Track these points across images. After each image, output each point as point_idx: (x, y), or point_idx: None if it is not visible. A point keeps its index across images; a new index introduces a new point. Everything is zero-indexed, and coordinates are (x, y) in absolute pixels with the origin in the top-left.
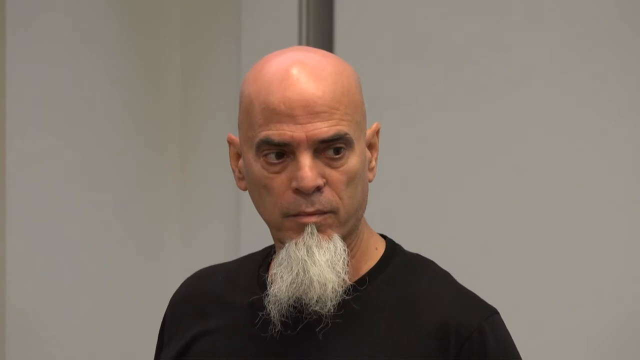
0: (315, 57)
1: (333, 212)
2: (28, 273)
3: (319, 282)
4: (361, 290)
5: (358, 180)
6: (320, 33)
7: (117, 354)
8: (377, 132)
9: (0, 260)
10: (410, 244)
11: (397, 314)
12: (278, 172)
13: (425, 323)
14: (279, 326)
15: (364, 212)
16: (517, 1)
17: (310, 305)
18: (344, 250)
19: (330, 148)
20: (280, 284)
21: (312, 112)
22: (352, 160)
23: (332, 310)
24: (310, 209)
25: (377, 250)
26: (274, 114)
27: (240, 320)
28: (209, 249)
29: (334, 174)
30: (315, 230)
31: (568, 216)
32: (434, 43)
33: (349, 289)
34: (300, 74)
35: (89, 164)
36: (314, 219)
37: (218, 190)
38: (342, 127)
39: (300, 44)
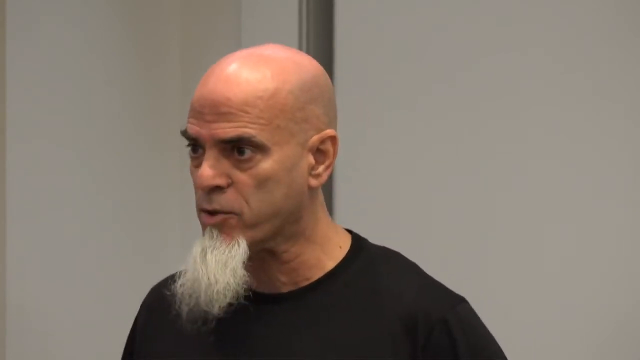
0: (261, 57)
1: (235, 213)
2: (28, 273)
3: (205, 283)
4: (319, 290)
5: (273, 185)
6: (320, 33)
7: (116, 353)
8: (331, 139)
9: (0, 260)
10: (410, 241)
11: (360, 310)
12: (197, 167)
13: (391, 316)
14: (193, 324)
15: (303, 216)
16: (518, 1)
17: (199, 305)
18: (245, 252)
19: (235, 149)
20: (183, 279)
21: (218, 112)
22: (265, 165)
23: (221, 312)
24: (208, 207)
25: (342, 248)
26: (191, 109)
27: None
28: None
29: (241, 176)
30: (216, 232)
31: (568, 216)
32: (434, 44)
33: (306, 289)
34: (223, 73)
35: (89, 164)
36: (213, 219)
37: None
38: (247, 130)
39: (300, 44)
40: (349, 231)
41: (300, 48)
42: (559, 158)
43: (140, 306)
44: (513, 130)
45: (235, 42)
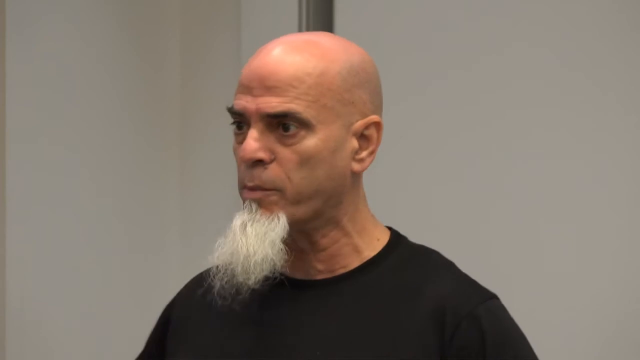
0: (310, 39)
1: (277, 189)
2: (28, 273)
3: (244, 254)
4: (355, 279)
5: (316, 163)
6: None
7: (116, 353)
8: (375, 125)
9: (0, 260)
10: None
11: (392, 302)
12: (240, 143)
13: (421, 309)
14: (224, 299)
15: (343, 201)
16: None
17: (237, 277)
18: (284, 227)
19: (281, 124)
20: (220, 251)
21: (266, 85)
22: (309, 142)
23: (257, 284)
24: (250, 184)
25: (380, 241)
26: (240, 85)
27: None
28: (208, 249)
29: (285, 152)
30: (255, 207)
31: (568, 216)
32: (434, 44)
33: (342, 277)
34: (273, 51)
35: (88, 164)
36: (254, 194)
37: (218, 190)
38: (293, 106)
39: None
40: (389, 228)
41: None
42: (559, 156)
43: (176, 299)
44: (513, 129)
45: (235, 42)
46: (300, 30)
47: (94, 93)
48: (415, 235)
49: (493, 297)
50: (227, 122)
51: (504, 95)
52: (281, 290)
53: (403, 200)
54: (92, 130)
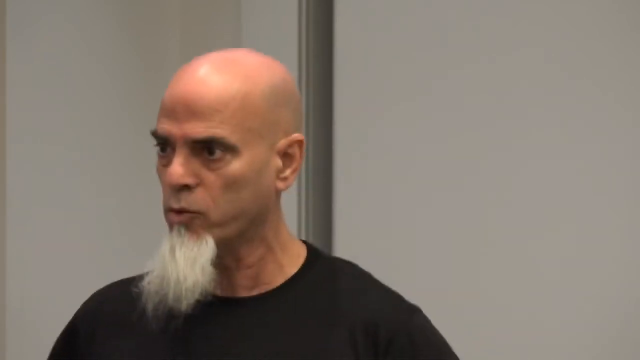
0: (233, 58)
1: (202, 213)
2: (28, 273)
3: (174, 279)
4: (280, 296)
5: (242, 186)
6: (320, 33)
7: None
8: (298, 144)
9: (0, 260)
10: (410, 237)
11: (319, 317)
12: (165, 166)
13: (350, 322)
14: (158, 321)
15: (268, 219)
16: (518, 0)
17: (168, 302)
18: (213, 250)
19: (206, 148)
20: (150, 276)
21: (191, 110)
22: (234, 166)
23: (188, 309)
24: (175, 206)
25: (300, 256)
26: (163, 109)
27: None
28: None
29: (210, 176)
30: (183, 230)
31: (568, 216)
32: (434, 44)
33: (268, 294)
34: (196, 72)
35: (89, 164)
36: (180, 217)
37: None
38: (219, 131)
39: (300, 44)
40: (303, 241)
41: (300, 48)
42: (560, 157)
43: (83, 312)
44: (513, 129)
45: (236, 42)
46: (300, 31)
47: (94, 93)
48: (416, 235)
49: (419, 309)
50: None
51: (504, 95)
52: (207, 308)
53: (403, 200)
54: (92, 130)
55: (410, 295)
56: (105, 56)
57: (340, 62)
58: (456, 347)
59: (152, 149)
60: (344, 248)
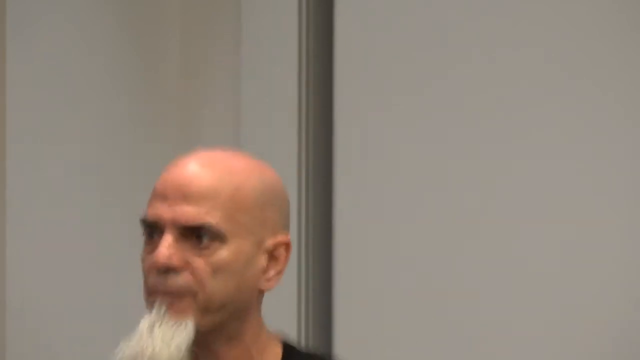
0: (225, 156)
1: (190, 293)
2: (28, 273)
3: (149, 355)
4: None
5: (228, 274)
6: (320, 33)
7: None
8: (285, 246)
9: (0, 260)
10: (409, 241)
11: None
12: (150, 252)
13: None
14: None
15: (248, 318)
16: (518, 0)
17: None
18: (190, 335)
19: (194, 234)
20: (122, 354)
21: (182, 193)
22: (222, 253)
23: None
24: (161, 288)
25: (277, 355)
26: (153, 195)
27: None
28: None
29: (198, 261)
30: (164, 309)
31: (568, 216)
32: (434, 43)
33: None
34: (189, 164)
35: (89, 164)
36: (164, 297)
37: None
38: (209, 218)
39: (300, 44)
40: (281, 336)
41: (300, 48)
42: (560, 157)
43: None
44: (514, 128)
45: (236, 42)
46: (300, 31)
47: (94, 93)
48: (416, 234)
49: None
50: (226, 124)
51: (504, 95)
52: None
53: (403, 200)
54: (92, 130)
55: (411, 295)
56: (105, 56)
57: (340, 62)
58: (456, 346)
59: (152, 149)
60: (344, 248)
